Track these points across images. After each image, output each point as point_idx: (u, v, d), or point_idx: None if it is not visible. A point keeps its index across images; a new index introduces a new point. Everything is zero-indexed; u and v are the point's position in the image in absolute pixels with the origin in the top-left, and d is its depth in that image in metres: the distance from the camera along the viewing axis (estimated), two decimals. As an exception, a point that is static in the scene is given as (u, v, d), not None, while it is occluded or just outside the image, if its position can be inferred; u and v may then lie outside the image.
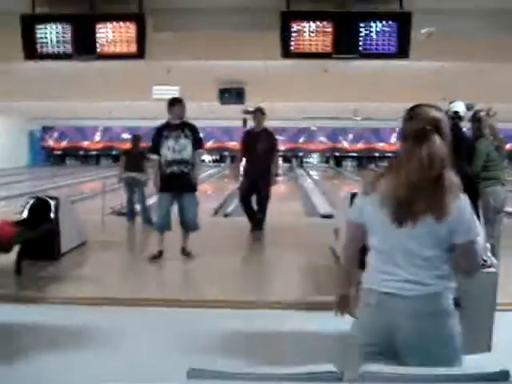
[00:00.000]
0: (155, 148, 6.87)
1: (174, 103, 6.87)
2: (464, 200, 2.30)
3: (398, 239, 2.30)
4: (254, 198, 8.63)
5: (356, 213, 2.47)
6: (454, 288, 2.34)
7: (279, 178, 9.08)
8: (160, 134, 6.83)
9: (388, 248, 2.34)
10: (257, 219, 8.58)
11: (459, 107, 6.26)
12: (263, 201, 8.61)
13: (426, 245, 2.27)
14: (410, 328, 2.26)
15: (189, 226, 6.97)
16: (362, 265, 2.51)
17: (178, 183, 6.80)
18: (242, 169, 8.82)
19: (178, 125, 6.82)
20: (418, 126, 2.33)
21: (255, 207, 8.65)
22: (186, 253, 7.04)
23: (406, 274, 2.28)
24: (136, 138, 9.78)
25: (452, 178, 2.28)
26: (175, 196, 6.88)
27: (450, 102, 6.35)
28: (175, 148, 6.76)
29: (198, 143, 6.94)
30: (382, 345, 2.32)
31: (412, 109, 2.44)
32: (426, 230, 2.26)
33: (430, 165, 2.24)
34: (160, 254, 6.91)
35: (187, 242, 7.08)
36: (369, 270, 2.44)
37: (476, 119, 6.36)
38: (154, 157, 6.94)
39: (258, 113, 8.62)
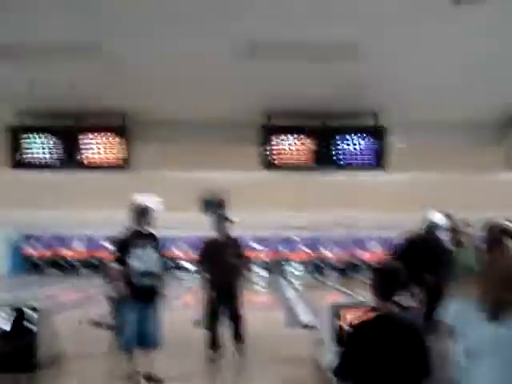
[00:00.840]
0: (121, 258, 6.50)
1: (146, 212, 6.64)
2: None
3: None
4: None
5: None
6: None
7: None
8: (127, 243, 6.51)
9: None
10: (236, 335, 7.69)
11: (435, 217, 6.40)
12: (237, 321, 7.70)
13: None
14: None
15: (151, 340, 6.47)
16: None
17: (148, 295, 6.49)
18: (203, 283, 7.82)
19: (146, 234, 6.60)
20: None
21: (224, 326, 7.75)
22: (149, 378, 6.39)
23: None
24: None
25: None
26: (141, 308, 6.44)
27: (428, 215, 6.49)
28: (144, 258, 6.46)
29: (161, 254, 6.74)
30: None
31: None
32: None
33: None
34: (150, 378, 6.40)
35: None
36: None
37: (454, 230, 6.45)
38: (115, 266, 6.60)
39: (222, 220, 7.72)
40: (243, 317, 7.72)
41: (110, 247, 6.57)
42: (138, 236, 6.54)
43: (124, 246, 6.53)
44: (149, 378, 6.43)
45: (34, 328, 6.93)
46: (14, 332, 6.79)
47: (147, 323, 6.46)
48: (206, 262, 7.73)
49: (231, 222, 7.66)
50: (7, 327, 6.86)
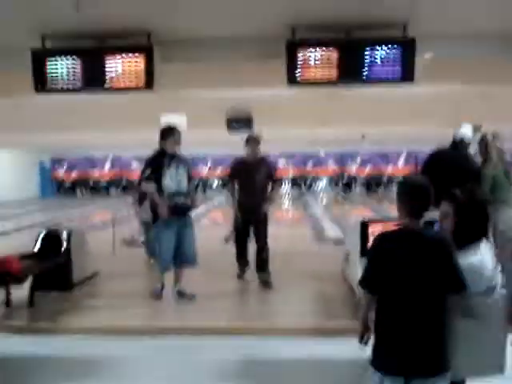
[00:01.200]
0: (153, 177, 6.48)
1: (175, 132, 6.60)
2: None
3: None
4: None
5: None
6: None
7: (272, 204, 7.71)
8: (160, 164, 6.52)
9: None
10: (260, 260, 7.41)
11: (466, 133, 6.29)
12: (260, 227, 7.41)
13: None
14: None
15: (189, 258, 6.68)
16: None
17: (182, 214, 6.60)
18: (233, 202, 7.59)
19: (176, 155, 6.61)
20: None
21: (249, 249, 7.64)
22: (183, 294, 6.68)
23: None
24: None
25: None
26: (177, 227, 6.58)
27: (456, 129, 6.38)
28: (177, 178, 6.53)
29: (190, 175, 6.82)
30: None
31: None
32: None
33: None
34: (162, 288, 6.70)
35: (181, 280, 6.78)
36: None
37: (483, 143, 6.37)
38: (150, 186, 6.51)
39: (252, 141, 7.46)
40: (268, 248, 7.43)
41: (140, 167, 6.49)
42: (169, 157, 6.54)
43: (156, 166, 6.50)
44: (182, 294, 6.66)
45: (67, 248, 7.13)
46: (48, 252, 6.99)
47: (184, 242, 6.60)
48: (234, 180, 7.51)
49: (259, 140, 7.44)
50: (41, 248, 7.07)
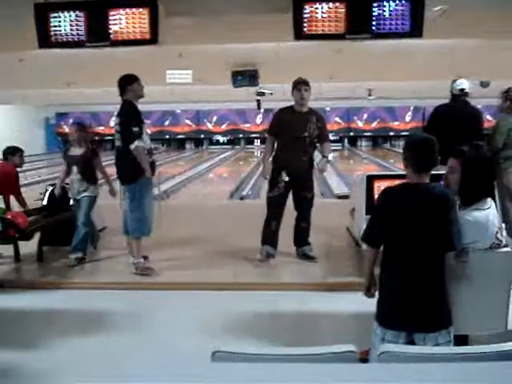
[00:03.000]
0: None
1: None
2: None
3: None
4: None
5: None
6: None
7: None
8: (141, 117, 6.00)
9: None
10: (300, 230, 6.56)
11: (465, 84, 6.23)
12: (305, 203, 6.51)
13: None
14: None
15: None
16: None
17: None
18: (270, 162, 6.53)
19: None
20: None
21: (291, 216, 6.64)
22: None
23: None
24: None
25: None
26: None
27: (454, 81, 6.30)
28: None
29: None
30: None
31: None
32: None
33: None
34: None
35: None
36: None
37: (509, 98, 6.25)
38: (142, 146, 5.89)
39: (302, 85, 6.32)
40: (309, 223, 6.59)
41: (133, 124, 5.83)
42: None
43: (141, 120, 6.01)
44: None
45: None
46: (55, 207, 7.02)
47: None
48: (276, 137, 6.47)
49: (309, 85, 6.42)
50: (48, 203, 7.11)
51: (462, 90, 6.25)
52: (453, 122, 6.02)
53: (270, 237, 6.45)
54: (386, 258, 3.08)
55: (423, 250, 2.98)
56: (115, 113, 6.13)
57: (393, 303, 3.04)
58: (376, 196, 5.58)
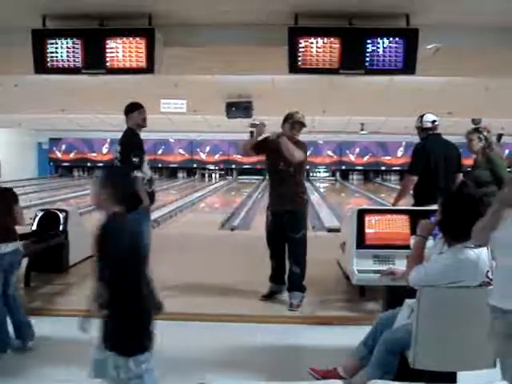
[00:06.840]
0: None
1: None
2: None
3: None
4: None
5: None
6: None
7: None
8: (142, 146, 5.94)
9: None
10: (289, 275, 6.17)
11: (434, 116, 6.27)
12: (293, 245, 6.19)
13: None
14: None
15: None
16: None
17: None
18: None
19: None
20: None
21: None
22: None
23: None
24: None
25: None
26: None
27: (421, 116, 6.32)
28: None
29: None
30: None
31: None
32: None
33: None
34: None
35: None
36: None
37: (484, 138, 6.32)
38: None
39: (297, 126, 6.18)
40: (305, 264, 6.22)
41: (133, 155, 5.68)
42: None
43: (142, 150, 5.90)
44: None
45: (64, 229, 7.12)
46: (44, 233, 6.98)
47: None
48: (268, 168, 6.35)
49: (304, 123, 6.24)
50: (38, 228, 7.06)
51: (434, 121, 6.26)
52: (437, 158, 6.04)
53: (271, 273, 6.35)
54: None
55: None
56: (108, 140, 6.13)
57: None
58: (367, 230, 5.63)
